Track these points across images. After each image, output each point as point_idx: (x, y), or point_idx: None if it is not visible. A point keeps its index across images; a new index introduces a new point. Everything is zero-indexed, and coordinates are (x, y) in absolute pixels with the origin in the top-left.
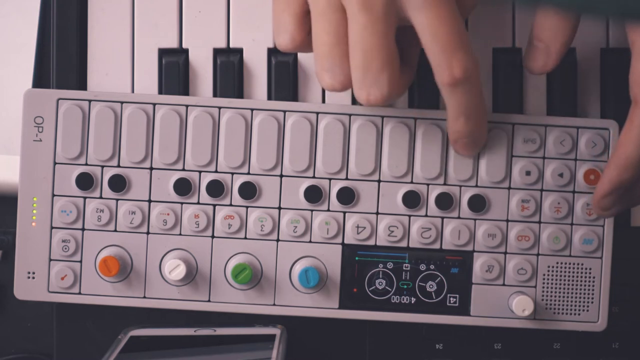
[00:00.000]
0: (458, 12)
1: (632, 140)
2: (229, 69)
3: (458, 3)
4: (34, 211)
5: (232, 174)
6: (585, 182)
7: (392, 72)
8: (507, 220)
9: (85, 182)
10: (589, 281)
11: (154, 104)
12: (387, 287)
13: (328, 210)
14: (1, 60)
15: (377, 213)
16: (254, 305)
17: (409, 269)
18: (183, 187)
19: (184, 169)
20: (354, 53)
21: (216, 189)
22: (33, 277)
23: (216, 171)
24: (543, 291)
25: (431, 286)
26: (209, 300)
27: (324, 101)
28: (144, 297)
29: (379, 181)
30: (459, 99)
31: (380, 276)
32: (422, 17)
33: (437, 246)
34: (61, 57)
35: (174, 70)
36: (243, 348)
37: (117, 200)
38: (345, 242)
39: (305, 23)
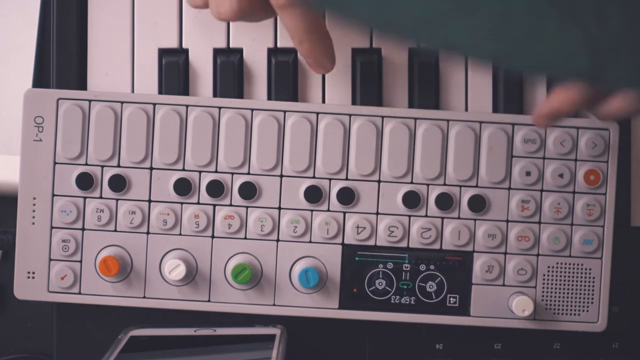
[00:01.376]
0: None
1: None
2: (229, 69)
3: None
4: (34, 211)
5: (232, 174)
6: (585, 182)
7: None
8: (507, 221)
9: (85, 182)
10: (589, 281)
11: (154, 104)
12: (387, 287)
13: (328, 210)
14: (1, 60)
15: (377, 213)
16: (254, 305)
17: (409, 269)
18: (183, 187)
19: (184, 169)
20: None
21: (216, 189)
22: (33, 277)
23: (216, 171)
24: (543, 291)
25: (431, 286)
26: (209, 300)
27: (324, 101)
28: (144, 297)
29: (379, 181)
30: (288, 22)
31: (380, 276)
32: None
33: (437, 246)
34: (61, 57)
35: (174, 70)
36: (243, 348)
37: (117, 200)
38: (345, 242)
39: None
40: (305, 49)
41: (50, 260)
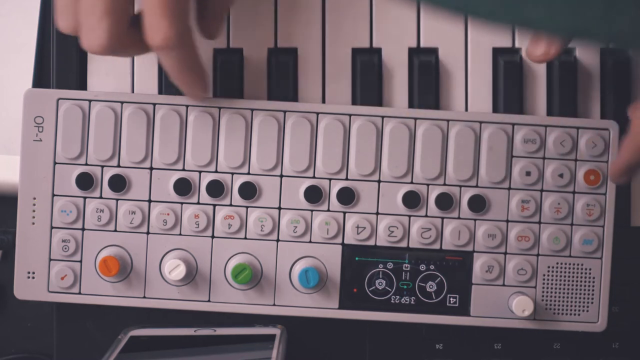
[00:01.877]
0: None
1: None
2: (229, 69)
3: None
4: (34, 211)
5: (232, 174)
6: (585, 182)
7: (114, 21)
8: (507, 221)
9: (85, 182)
10: (589, 281)
11: (154, 104)
12: (387, 287)
13: (328, 210)
14: (1, 60)
15: (377, 213)
16: (254, 305)
17: (409, 269)
18: (183, 187)
19: (184, 169)
20: None
21: (216, 189)
22: (33, 277)
23: (216, 171)
24: (543, 291)
25: (431, 286)
26: (209, 300)
27: (324, 101)
28: (144, 297)
29: (379, 181)
30: (165, 62)
31: (380, 276)
32: None
33: (437, 246)
34: (61, 57)
35: None
36: (243, 348)
37: (117, 200)
38: (345, 242)
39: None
40: (180, 84)
41: (50, 260)
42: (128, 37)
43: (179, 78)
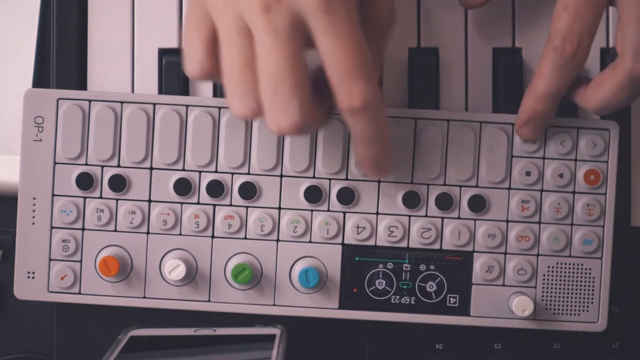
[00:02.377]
0: (363, 40)
1: (542, 77)
2: None
3: (369, 27)
4: (34, 211)
5: (232, 174)
6: (585, 182)
7: (303, 97)
8: (507, 221)
9: (85, 182)
10: (589, 281)
11: (154, 104)
12: (387, 287)
13: (328, 210)
14: (1, 60)
15: (377, 213)
16: (254, 305)
17: (409, 269)
18: (183, 187)
19: (184, 169)
20: (263, 77)
21: (216, 189)
22: (33, 277)
23: (216, 171)
24: (543, 291)
25: (431, 286)
26: (209, 300)
27: None
28: (144, 297)
29: (379, 181)
30: (359, 127)
31: (380, 276)
32: (325, 44)
33: (437, 246)
34: (61, 57)
35: (173, 70)
36: (243, 348)
37: (117, 200)
38: (345, 242)
39: (215, 50)
40: (371, 153)
41: (50, 260)
42: (315, 108)
43: (376, 142)
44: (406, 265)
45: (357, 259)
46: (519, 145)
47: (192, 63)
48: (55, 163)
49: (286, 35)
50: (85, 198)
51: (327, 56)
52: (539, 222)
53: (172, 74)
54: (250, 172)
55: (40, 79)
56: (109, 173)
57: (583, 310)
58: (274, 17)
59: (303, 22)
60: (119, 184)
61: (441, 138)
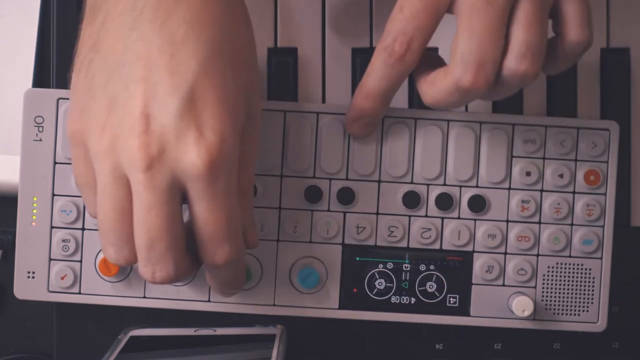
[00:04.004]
0: (235, 204)
1: (371, 74)
2: None
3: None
4: (34, 211)
5: None
6: (585, 182)
7: (178, 255)
8: (507, 221)
9: None
10: (589, 282)
11: None
12: (387, 287)
13: (328, 210)
14: (1, 60)
15: (377, 213)
16: (254, 305)
17: (409, 269)
18: None
19: None
20: (139, 232)
21: None
22: (33, 277)
23: None
24: (543, 292)
25: (431, 286)
26: (209, 300)
27: (324, 101)
28: (144, 297)
29: (379, 181)
30: (217, 275)
31: (380, 276)
32: (199, 208)
33: (437, 246)
34: (61, 57)
35: None
36: (243, 348)
37: None
38: (345, 242)
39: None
40: (224, 288)
41: (50, 260)
42: (188, 260)
43: (227, 283)
44: (406, 265)
45: (357, 259)
46: (519, 145)
47: (87, 206)
48: (55, 163)
49: (166, 196)
50: None
51: (198, 218)
52: (539, 222)
53: None
54: None
55: (40, 79)
56: None
57: (583, 310)
58: (155, 175)
59: (182, 182)
60: None
61: (441, 138)
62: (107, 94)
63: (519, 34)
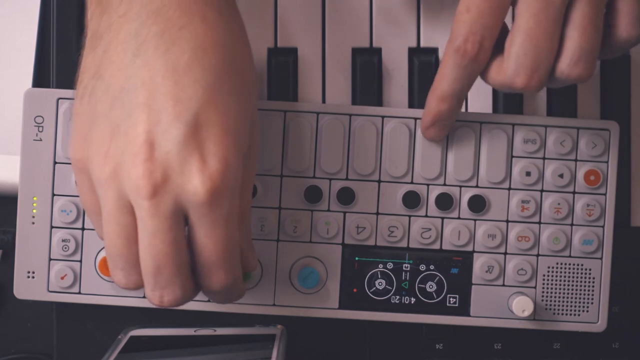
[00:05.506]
0: (235, 232)
1: (444, 77)
2: None
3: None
4: (34, 211)
5: None
6: (585, 182)
7: (184, 279)
8: (507, 221)
9: None
10: (589, 282)
11: None
12: (387, 287)
13: (328, 210)
14: (1, 60)
15: (377, 213)
16: (254, 305)
17: (408, 269)
18: None
19: None
20: (145, 258)
21: None
22: (33, 277)
23: None
24: (543, 292)
25: (431, 286)
26: (209, 300)
27: (324, 101)
28: (144, 297)
29: (379, 181)
30: (214, 297)
31: (380, 276)
32: (200, 233)
33: (437, 246)
34: (61, 57)
35: None
36: (243, 348)
37: None
38: (345, 242)
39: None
40: (222, 302)
41: (50, 260)
42: (194, 283)
43: (225, 302)
44: (406, 265)
45: (357, 259)
46: (519, 145)
47: (95, 229)
48: (55, 163)
49: (170, 222)
50: None
51: (197, 243)
52: (539, 222)
53: None
54: None
55: (40, 79)
56: None
57: (583, 311)
58: (159, 202)
59: (185, 208)
60: None
61: None
62: (110, 120)
63: (574, 39)
